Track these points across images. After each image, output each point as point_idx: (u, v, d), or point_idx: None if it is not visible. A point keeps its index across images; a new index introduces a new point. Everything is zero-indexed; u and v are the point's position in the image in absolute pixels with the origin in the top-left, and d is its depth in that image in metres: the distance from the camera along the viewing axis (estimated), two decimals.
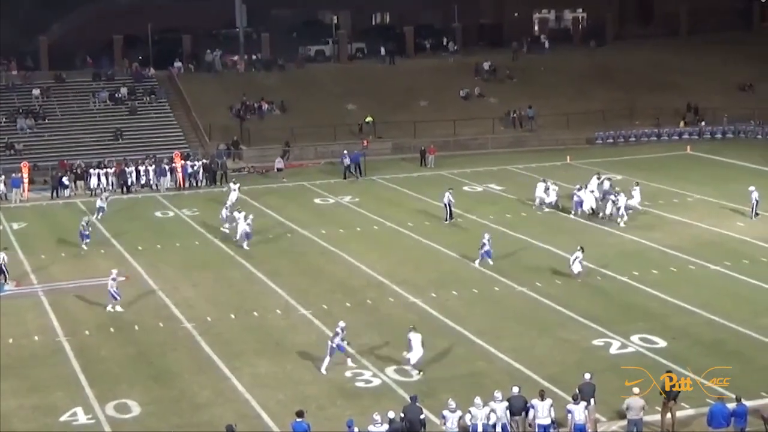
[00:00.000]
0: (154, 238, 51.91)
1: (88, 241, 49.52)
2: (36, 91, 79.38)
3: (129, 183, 64.95)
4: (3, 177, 63.60)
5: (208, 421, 30.10)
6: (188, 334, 37.96)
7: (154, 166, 66.02)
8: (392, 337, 36.40)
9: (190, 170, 66.07)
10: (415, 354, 33.25)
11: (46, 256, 49.07)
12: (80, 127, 76.35)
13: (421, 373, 33.25)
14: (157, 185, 65.43)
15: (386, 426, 26.60)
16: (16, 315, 40.51)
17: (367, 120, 77.94)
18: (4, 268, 44.38)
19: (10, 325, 39.11)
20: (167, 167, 66.05)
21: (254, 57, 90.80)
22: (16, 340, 37.39)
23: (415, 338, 33.28)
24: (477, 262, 45.48)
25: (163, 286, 43.70)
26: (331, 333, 34.66)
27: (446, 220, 53.64)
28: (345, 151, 69.13)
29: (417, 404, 27.99)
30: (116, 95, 79.88)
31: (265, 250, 49.48)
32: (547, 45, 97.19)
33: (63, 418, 30.78)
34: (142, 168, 65.78)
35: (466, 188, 62.23)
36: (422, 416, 27.61)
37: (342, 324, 34.24)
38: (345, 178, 67.09)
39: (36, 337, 37.77)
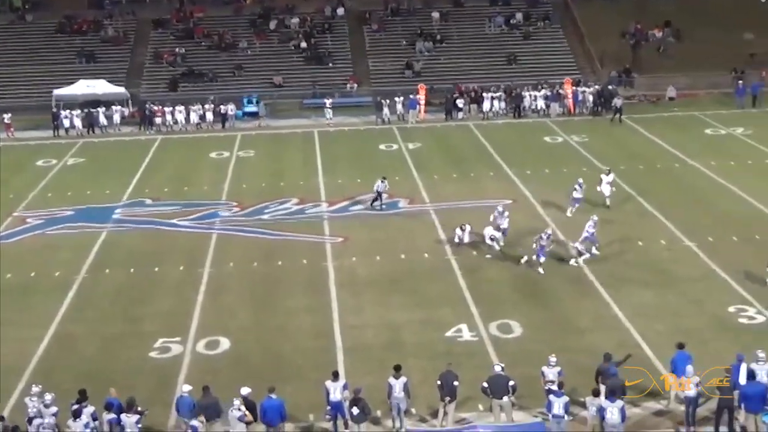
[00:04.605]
0: (542, 164, 52.59)
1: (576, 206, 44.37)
2: (435, 15, 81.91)
3: (521, 108, 66.05)
4: (402, 98, 66.19)
5: (587, 346, 30.39)
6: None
7: (545, 92, 66.76)
8: None
9: (580, 97, 66.29)
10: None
11: (438, 176, 50.83)
12: (475, 51, 78.14)
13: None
14: (547, 111, 66.16)
15: None
16: (409, 231, 42.55)
17: None
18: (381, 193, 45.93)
19: (405, 240, 41.22)
20: (558, 93, 66.57)
21: None
22: (407, 256, 39.34)
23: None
24: None
25: (548, 212, 44.35)
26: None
27: None
28: (740, 82, 67.08)
29: None
30: (511, 20, 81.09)
31: (652, 180, 49.12)
32: None
33: (448, 334, 32.06)
34: (533, 93, 66.70)
35: None
36: None
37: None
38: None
39: (426, 255, 39.47)
